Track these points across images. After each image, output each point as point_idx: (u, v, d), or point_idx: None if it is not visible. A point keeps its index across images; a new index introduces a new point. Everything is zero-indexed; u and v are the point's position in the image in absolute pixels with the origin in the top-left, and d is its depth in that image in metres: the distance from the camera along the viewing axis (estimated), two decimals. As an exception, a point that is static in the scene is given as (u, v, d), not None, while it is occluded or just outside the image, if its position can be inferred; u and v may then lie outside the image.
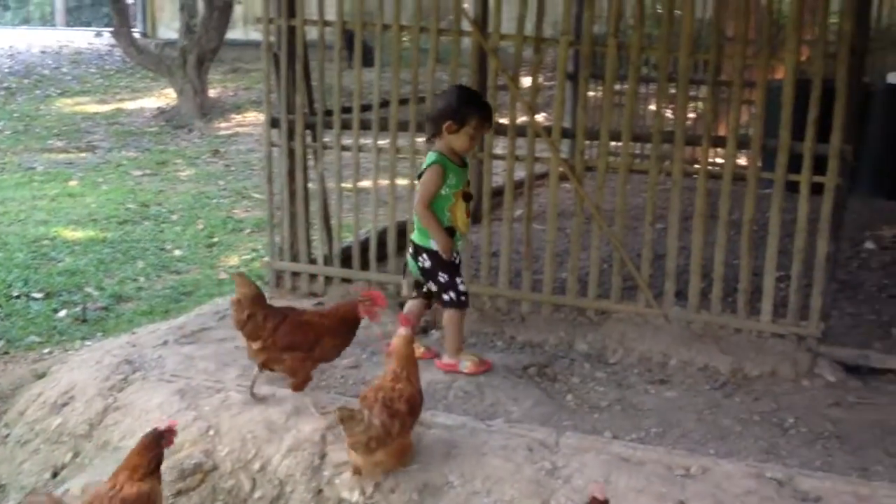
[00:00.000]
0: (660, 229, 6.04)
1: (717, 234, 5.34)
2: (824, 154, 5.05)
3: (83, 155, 13.40)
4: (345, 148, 6.14)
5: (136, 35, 19.59)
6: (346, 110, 6.13)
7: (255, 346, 4.46)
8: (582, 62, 5.55)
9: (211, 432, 4.46)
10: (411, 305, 5.24)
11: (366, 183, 6.34)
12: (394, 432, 3.90)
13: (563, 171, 5.55)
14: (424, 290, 5.15)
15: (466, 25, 5.86)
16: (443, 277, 5.01)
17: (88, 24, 27.91)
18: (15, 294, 7.28)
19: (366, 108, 6.12)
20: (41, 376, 5.49)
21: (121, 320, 6.83)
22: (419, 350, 4.98)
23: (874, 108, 9.05)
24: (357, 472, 4.06)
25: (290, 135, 6.15)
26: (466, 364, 5.05)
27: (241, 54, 20.14)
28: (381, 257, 6.17)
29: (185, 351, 5.36)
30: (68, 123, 15.68)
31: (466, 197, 5.02)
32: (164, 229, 9.32)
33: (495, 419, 4.55)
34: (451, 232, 4.95)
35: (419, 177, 4.97)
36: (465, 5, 6.06)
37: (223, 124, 15.97)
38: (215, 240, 9.00)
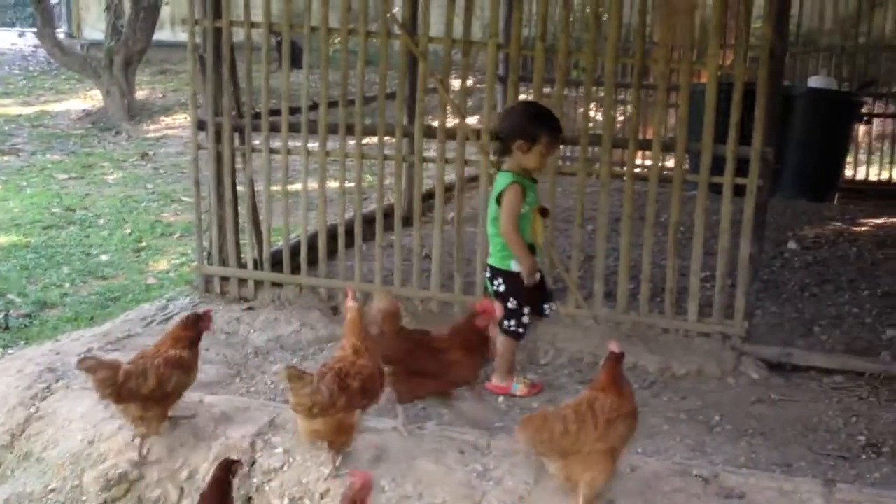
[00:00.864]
0: (589, 231, 6.10)
1: (645, 236, 5.41)
2: (747, 156, 5.16)
3: (6, 158, 13.04)
4: (274, 151, 6.08)
5: (61, 36, 19.17)
6: (275, 112, 6.07)
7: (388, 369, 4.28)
8: (511, 65, 5.56)
9: (136, 441, 4.37)
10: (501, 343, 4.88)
11: (296, 186, 6.29)
12: (338, 404, 3.85)
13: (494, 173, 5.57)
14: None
15: (396, 28, 5.86)
16: (512, 304, 4.81)
17: (12, 25, 27.20)
18: (-67, 302, 7.07)
19: (295, 110, 6.08)
20: (-40, 387, 5.33)
21: (45, 328, 6.67)
22: (523, 389, 4.93)
23: (796, 112, 9.28)
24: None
25: (218, 138, 6.07)
26: (519, 387, 4.96)
27: (169, 55, 19.80)
28: (312, 261, 6.13)
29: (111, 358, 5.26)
30: (-10, 126, 15.28)
31: (544, 212, 4.94)
32: (90, 234, 9.12)
33: (428, 422, 4.54)
34: (532, 249, 4.84)
35: (497, 200, 4.72)
36: (396, 8, 6.05)
37: (151, 127, 15.69)
38: (143, 244, 8.83)
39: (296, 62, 6.10)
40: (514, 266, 4.77)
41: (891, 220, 9.11)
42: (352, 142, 5.99)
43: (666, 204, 5.42)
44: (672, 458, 4.19)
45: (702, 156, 5.24)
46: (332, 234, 6.06)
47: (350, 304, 4.16)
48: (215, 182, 6.13)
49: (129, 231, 9.25)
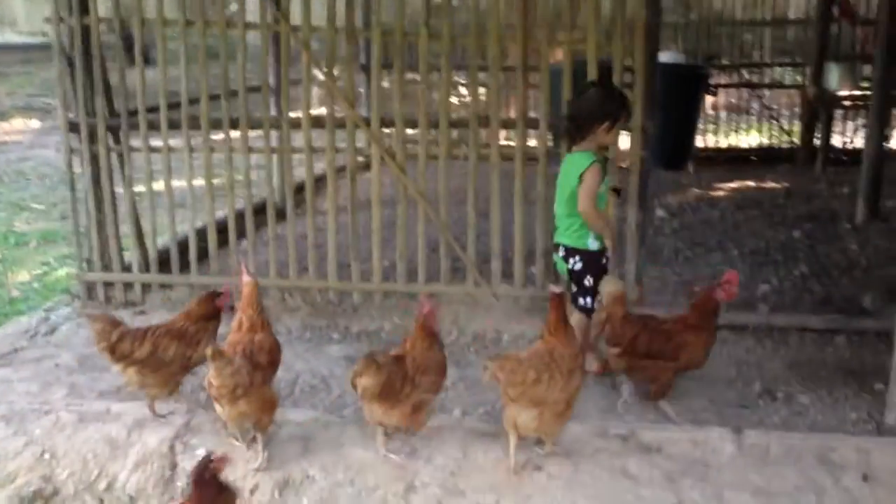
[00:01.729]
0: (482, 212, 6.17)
1: (537, 213, 5.56)
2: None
3: None
4: (153, 150, 5.92)
5: None
6: (151, 110, 5.91)
7: (614, 351, 4.45)
8: (396, 52, 5.59)
9: (46, 456, 4.21)
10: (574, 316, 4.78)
11: (180, 183, 6.12)
12: (256, 382, 3.90)
13: (385, 159, 5.61)
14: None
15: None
16: (588, 281, 4.83)
17: None
18: None
19: (171, 107, 5.93)
20: None
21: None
22: (596, 365, 4.90)
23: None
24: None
25: (92, 139, 5.87)
26: (593, 364, 4.93)
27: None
28: (201, 258, 6.01)
29: (0, 374, 5.03)
30: None
31: (617, 192, 5.03)
32: (-61, 251, 8.59)
33: (345, 410, 4.56)
34: None
35: (580, 179, 4.66)
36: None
37: (-14, 134, 14.86)
38: (-1, 257, 8.39)
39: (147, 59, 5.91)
40: (592, 244, 4.82)
41: (744, 183, 9.67)
42: (236, 135, 5.90)
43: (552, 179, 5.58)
44: (590, 422, 4.35)
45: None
46: (221, 229, 5.97)
47: (246, 278, 4.22)
48: (92, 185, 5.92)
49: (-21, 245, 8.76)
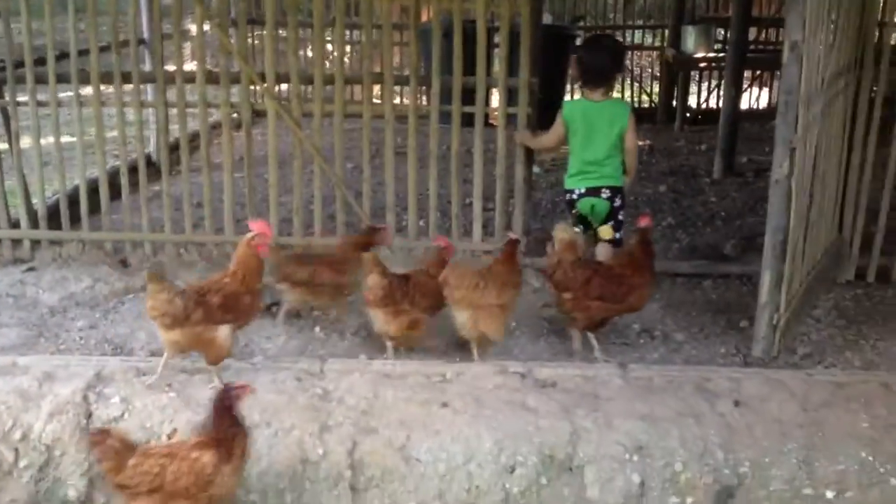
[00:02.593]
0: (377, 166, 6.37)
1: (430, 167, 5.80)
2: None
3: None
4: (41, 104, 5.84)
5: None
6: (38, 62, 5.82)
7: (567, 296, 4.72)
8: (291, 8, 5.69)
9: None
10: (603, 249, 5.29)
11: (70, 138, 6.06)
12: (193, 318, 4.09)
13: (281, 114, 5.72)
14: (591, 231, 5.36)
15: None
16: (622, 216, 5.31)
17: None
18: None
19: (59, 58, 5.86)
20: None
21: None
22: None
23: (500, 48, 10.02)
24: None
25: (-22, 92, 5.75)
26: None
27: None
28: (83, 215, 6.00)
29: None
30: None
31: None
32: None
33: (254, 359, 4.72)
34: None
35: (625, 123, 5.16)
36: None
37: None
38: None
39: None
40: (623, 181, 5.29)
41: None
42: (128, 87, 5.88)
43: (445, 137, 5.83)
44: (489, 362, 4.66)
45: (477, 91, 5.69)
46: (112, 182, 5.97)
47: (247, 236, 4.32)
48: (-24, 140, 5.81)
49: None
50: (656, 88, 12.32)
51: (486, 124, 5.85)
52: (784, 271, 4.54)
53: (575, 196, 5.31)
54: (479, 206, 5.83)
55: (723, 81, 9.69)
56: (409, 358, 4.78)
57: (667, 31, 11.85)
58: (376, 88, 6.30)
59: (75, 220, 5.99)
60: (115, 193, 6.04)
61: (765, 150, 9.21)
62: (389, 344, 4.74)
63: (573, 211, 5.37)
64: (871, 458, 4.01)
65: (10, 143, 5.93)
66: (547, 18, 11.12)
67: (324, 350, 4.91)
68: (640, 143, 10.00)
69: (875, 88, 5.56)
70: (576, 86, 5.38)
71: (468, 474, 4.01)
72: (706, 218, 7.23)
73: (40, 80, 5.78)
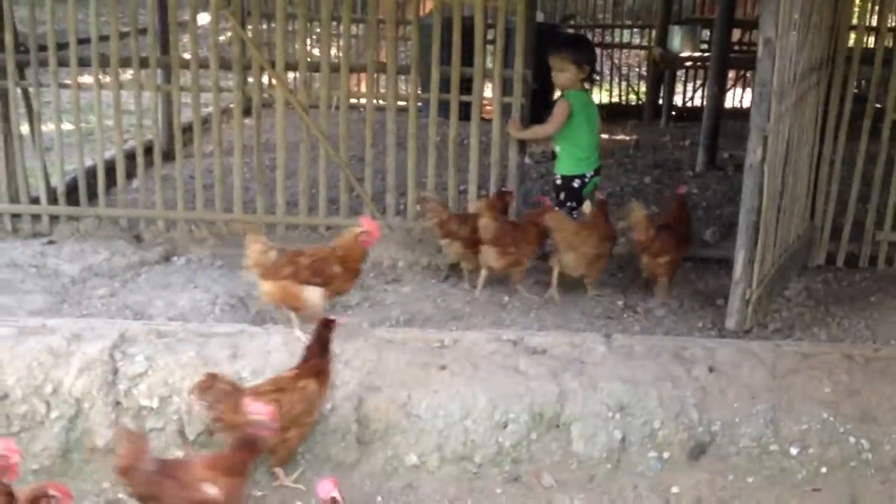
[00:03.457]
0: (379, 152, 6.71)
1: (429, 153, 6.16)
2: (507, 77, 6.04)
3: None
4: (62, 86, 6.18)
5: None
6: (60, 47, 6.16)
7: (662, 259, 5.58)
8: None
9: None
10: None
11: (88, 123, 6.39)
12: (281, 273, 4.65)
13: (290, 100, 6.08)
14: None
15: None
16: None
17: None
18: None
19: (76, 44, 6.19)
20: None
21: None
22: None
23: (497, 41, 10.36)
24: None
25: (1, 74, 6.07)
26: None
27: None
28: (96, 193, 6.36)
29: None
30: None
31: None
32: None
33: (265, 324, 5.07)
34: None
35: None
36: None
37: None
38: None
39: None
40: None
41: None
42: (142, 71, 6.22)
43: (442, 126, 6.20)
44: (484, 330, 5.03)
45: (474, 81, 6.06)
46: (130, 155, 6.32)
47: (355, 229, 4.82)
48: (1, 119, 6.13)
49: None
50: (643, 86, 12.71)
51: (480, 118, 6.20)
52: (756, 250, 4.92)
53: (587, 179, 6.00)
54: (474, 190, 6.19)
55: (707, 80, 10.09)
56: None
57: (654, 31, 12.22)
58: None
59: (92, 198, 6.31)
60: (130, 173, 6.37)
61: (745, 147, 9.64)
62: (484, 273, 5.54)
63: (577, 195, 5.95)
64: (832, 419, 4.40)
65: (31, 124, 6.26)
66: (538, 17, 11.47)
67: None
68: (627, 138, 10.49)
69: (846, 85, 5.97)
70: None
71: (464, 429, 4.38)
72: (688, 207, 7.60)
73: (62, 63, 6.10)
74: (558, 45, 6.04)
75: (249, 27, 6.23)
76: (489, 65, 6.13)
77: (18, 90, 6.22)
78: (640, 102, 12.42)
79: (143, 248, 6.13)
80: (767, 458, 4.36)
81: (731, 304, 5.10)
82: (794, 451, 4.36)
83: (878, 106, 6.16)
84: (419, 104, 6.30)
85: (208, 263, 5.99)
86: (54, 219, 6.31)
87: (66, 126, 6.40)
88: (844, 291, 5.89)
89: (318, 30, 6.45)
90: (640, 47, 13.46)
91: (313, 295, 4.73)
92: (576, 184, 5.98)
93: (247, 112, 7.15)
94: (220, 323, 5.06)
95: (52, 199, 6.32)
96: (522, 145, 6.21)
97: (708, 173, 8.81)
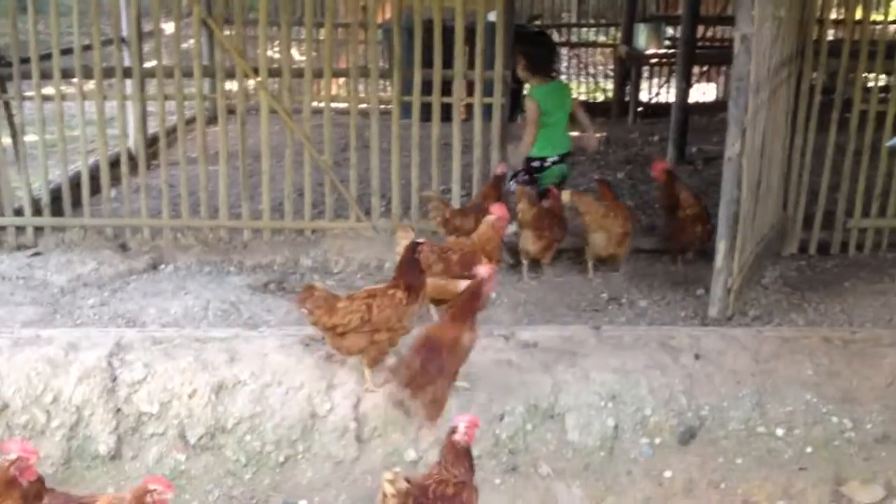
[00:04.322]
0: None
1: (412, 155, 6.26)
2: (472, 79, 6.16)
3: None
4: (46, 98, 6.21)
5: None
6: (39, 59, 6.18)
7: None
8: (285, 6, 6.10)
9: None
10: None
11: (75, 132, 6.42)
12: (434, 269, 4.88)
13: (274, 106, 6.15)
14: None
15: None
16: None
17: None
18: None
19: (48, 57, 6.22)
20: None
21: None
22: None
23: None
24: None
25: (-15, 87, 6.10)
26: None
27: None
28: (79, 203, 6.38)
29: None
30: None
31: None
32: None
33: (260, 328, 5.14)
34: None
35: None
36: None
37: None
38: None
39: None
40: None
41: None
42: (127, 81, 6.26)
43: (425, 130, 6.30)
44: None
45: (455, 83, 6.17)
46: (113, 162, 6.35)
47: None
48: (-18, 132, 6.15)
49: None
50: (610, 84, 12.89)
51: (448, 118, 6.31)
52: (737, 240, 5.08)
53: (547, 163, 6.40)
54: (457, 189, 6.31)
55: (674, 76, 10.27)
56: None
57: (619, 29, 12.41)
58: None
59: (76, 207, 6.34)
60: (114, 181, 6.41)
61: (713, 141, 9.84)
62: (525, 262, 5.92)
63: (531, 174, 6.37)
64: (815, 401, 4.57)
65: (14, 135, 6.27)
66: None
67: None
68: (597, 135, 10.63)
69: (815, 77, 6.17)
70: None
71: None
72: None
73: (45, 75, 6.12)
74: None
75: (227, 32, 6.24)
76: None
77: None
78: (607, 100, 12.59)
79: (129, 256, 6.16)
80: (755, 440, 4.51)
81: (713, 293, 5.26)
82: (780, 432, 4.52)
83: (846, 98, 6.35)
84: (383, 106, 6.41)
85: (196, 270, 6.04)
86: (39, 230, 6.32)
87: (48, 136, 6.38)
88: (818, 278, 6.08)
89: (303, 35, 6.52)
90: (605, 45, 13.64)
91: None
92: (535, 164, 6.47)
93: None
94: (215, 328, 5.12)
95: (36, 210, 6.32)
96: (504, 141, 6.33)
97: (678, 167, 8.96)
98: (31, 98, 6.19)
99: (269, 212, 6.31)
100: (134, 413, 4.52)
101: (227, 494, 4.40)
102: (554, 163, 6.47)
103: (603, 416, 4.52)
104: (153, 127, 7.36)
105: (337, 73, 6.48)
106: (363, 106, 6.50)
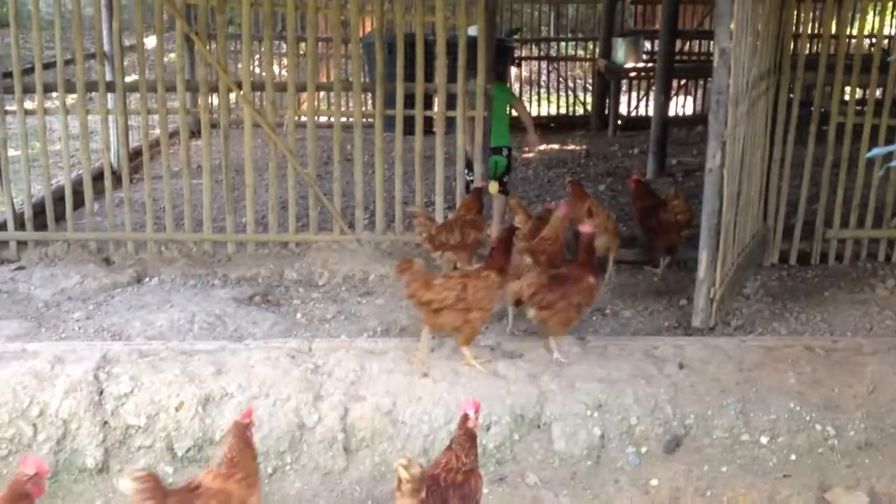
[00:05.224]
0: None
1: (395, 168, 6.31)
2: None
3: None
4: (29, 112, 6.21)
5: None
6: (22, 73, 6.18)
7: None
8: (266, 21, 6.12)
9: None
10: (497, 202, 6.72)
11: (56, 147, 6.42)
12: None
13: (258, 120, 6.17)
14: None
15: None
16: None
17: None
18: None
19: (27, 72, 6.23)
20: None
21: None
22: None
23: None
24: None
25: (-34, 101, 6.08)
26: None
27: None
28: (62, 216, 6.36)
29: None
30: None
31: None
32: None
33: (246, 340, 5.15)
34: None
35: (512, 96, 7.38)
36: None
37: None
38: None
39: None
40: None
41: (549, 146, 10.78)
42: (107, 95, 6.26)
43: (408, 143, 6.35)
44: (460, 337, 5.17)
45: (438, 96, 6.22)
46: (97, 176, 6.36)
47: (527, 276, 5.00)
48: (-36, 147, 6.13)
49: None
50: (589, 98, 12.98)
51: (430, 131, 6.38)
52: (719, 250, 5.14)
53: None
54: (440, 202, 6.35)
55: (653, 89, 10.38)
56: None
57: (597, 43, 12.50)
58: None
59: (59, 221, 6.33)
60: (97, 195, 6.40)
61: (692, 153, 9.96)
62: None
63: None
64: (798, 409, 4.62)
65: (-3, 151, 6.27)
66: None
67: (307, 332, 5.36)
68: (577, 148, 10.74)
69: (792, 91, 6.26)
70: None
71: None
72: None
73: (27, 89, 6.12)
74: None
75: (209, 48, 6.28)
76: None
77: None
78: (586, 113, 12.68)
79: (113, 270, 6.15)
80: (740, 448, 4.55)
81: (696, 303, 5.31)
82: (764, 440, 4.56)
83: (823, 110, 6.45)
84: (366, 119, 6.43)
85: (181, 283, 6.03)
86: (22, 244, 6.31)
87: (30, 151, 6.38)
88: (799, 287, 6.16)
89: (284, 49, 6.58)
90: (584, 59, 13.75)
91: None
92: None
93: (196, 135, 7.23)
94: (201, 340, 5.12)
95: (20, 224, 6.30)
96: (486, 154, 6.38)
97: (658, 179, 9.06)
98: (13, 112, 6.16)
99: (253, 225, 6.33)
100: (121, 426, 4.52)
101: (215, 507, 4.40)
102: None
103: (589, 426, 4.55)
104: (136, 141, 7.33)
105: (319, 87, 6.51)
106: (346, 119, 6.52)
